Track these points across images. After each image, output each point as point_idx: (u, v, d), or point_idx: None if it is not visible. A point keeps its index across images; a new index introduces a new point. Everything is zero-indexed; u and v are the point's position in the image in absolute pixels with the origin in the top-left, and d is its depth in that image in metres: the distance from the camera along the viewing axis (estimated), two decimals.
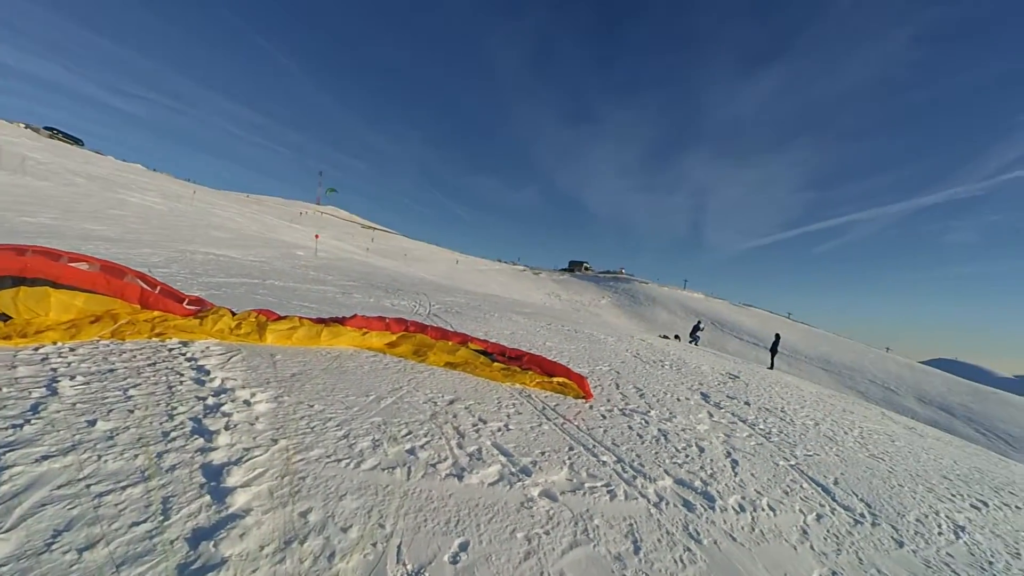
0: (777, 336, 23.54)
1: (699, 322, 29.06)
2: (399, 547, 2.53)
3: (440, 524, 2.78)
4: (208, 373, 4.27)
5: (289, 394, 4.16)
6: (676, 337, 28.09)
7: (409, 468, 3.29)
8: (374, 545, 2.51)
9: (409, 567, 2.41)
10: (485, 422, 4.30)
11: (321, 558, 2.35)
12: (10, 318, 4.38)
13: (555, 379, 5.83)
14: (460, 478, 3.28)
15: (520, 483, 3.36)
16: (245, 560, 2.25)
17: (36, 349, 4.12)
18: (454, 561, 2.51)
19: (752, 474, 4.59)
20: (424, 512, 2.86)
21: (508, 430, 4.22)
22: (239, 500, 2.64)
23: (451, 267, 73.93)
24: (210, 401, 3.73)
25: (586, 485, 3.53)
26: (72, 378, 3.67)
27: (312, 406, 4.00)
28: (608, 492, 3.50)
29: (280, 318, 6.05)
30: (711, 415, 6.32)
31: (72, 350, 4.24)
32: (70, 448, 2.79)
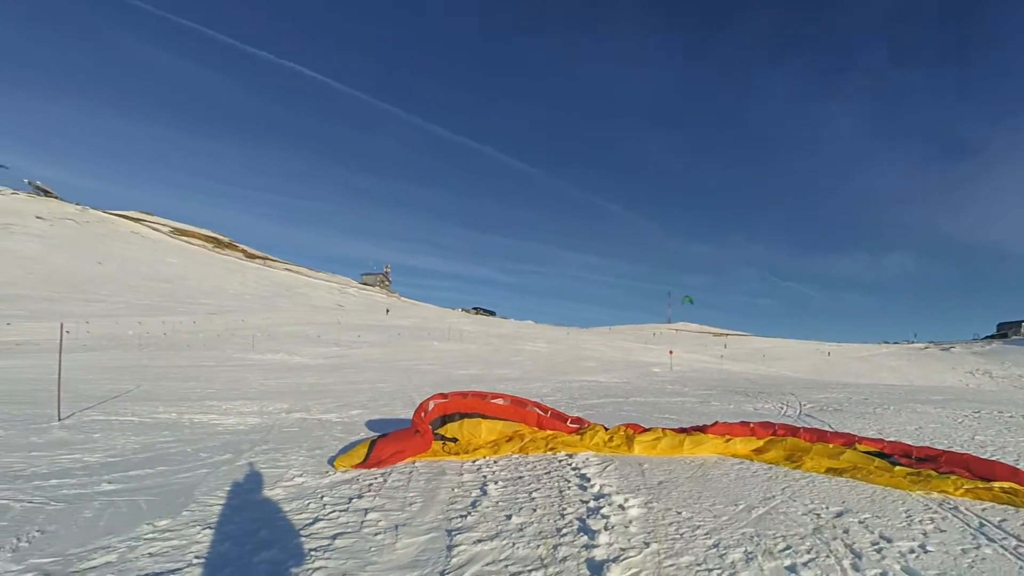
0: None
1: None
2: None
3: None
4: (589, 480, 4.75)
5: (657, 500, 4.22)
6: None
7: None
8: None
9: None
10: (890, 540, 3.35)
11: None
12: (457, 440, 5.98)
13: (995, 485, 4.15)
14: None
15: None
16: None
17: (474, 462, 5.45)
18: None
19: None
20: None
21: (926, 552, 3.17)
22: None
23: (819, 359, 63.19)
24: (591, 504, 4.12)
25: None
26: (496, 483, 4.67)
27: (680, 513, 3.94)
28: None
29: (645, 430, 6.33)
30: None
31: (495, 462, 5.42)
32: (495, 535, 3.50)
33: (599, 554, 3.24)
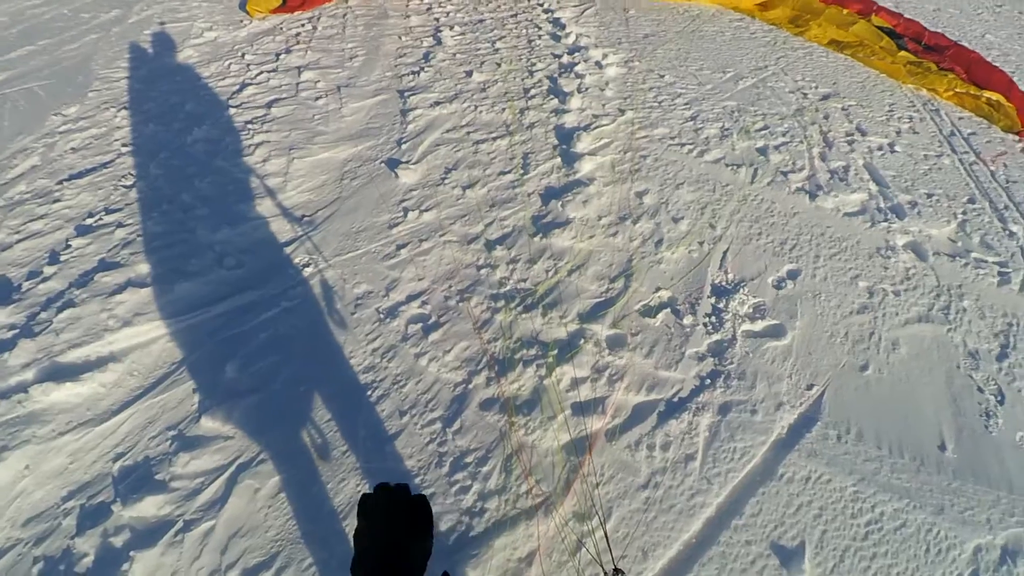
0: None
1: None
2: (725, 253, 2.21)
3: (774, 242, 2.29)
4: (564, 27, 4.00)
5: (640, 59, 3.66)
6: None
7: (756, 170, 2.70)
8: (700, 244, 2.24)
9: (730, 276, 2.11)
10: (864, 134, 3.11)
11: (649, 242, 2.23)
12: None
13: (984, 94, 3.71)
14: (812, 196, 2.55)
15: (885, 224, 2.44)
16: (585, 225, 2.28)
17: None
18: (778, 286, 2.09)
19: None
20: (760, 224, 2.38)
21: (892, 152, 2.99)
22: (585, 168, 2.59)
23: None
24: (565, 60, 3.55)
25: (972, 255, 2.35)
26: (451, 28, 3.87)
27: (662, 76, 3.46)
28: (1000, 275, 2.26)
29: None
30: None
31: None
32: (454, 96, 3.04)
33: (569, 120, 2.92)
